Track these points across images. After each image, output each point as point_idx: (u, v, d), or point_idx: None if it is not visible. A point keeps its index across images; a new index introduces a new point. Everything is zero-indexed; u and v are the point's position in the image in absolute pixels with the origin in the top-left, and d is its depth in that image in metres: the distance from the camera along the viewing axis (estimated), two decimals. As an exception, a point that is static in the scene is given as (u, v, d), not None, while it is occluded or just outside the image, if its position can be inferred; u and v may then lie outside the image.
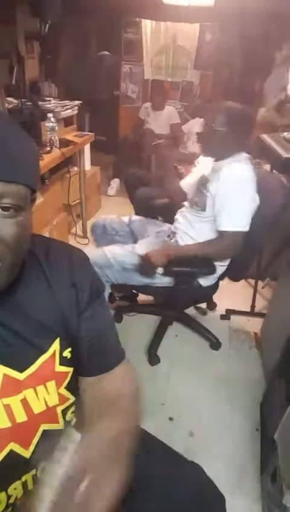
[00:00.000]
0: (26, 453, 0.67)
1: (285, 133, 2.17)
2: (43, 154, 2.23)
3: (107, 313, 0.81)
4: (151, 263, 1.66)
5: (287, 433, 1.22)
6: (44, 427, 0.69)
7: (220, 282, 1.92)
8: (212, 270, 1.73)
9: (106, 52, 4.52)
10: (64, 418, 0.73)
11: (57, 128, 2.42)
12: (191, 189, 1.85)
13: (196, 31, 4.43)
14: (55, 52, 3.84)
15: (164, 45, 4.63)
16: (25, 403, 0.66)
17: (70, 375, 0.73)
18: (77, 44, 4.28)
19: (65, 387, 0.72)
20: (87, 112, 3.99)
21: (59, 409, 0.72)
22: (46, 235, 2.43)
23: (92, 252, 1.73)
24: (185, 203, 1.88)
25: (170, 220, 1.97)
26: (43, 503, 0.52)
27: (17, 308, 0.66)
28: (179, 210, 1.91)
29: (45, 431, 0.69)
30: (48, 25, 2.94)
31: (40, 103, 2.57)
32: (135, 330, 2.13)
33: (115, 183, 4.09)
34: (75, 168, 2.97)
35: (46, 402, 0.68)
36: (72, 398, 0.74)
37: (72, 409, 0.75)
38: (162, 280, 1.77)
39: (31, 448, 0.67)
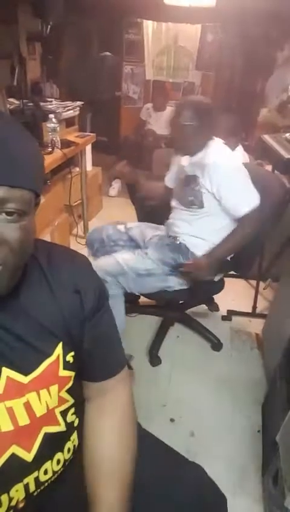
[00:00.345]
0: (28, 456, 0.67)
1: (287, 134, 2.17)
2: (45, 155, 2.23)
3: (112, 319, 0.81)
4: (202, 275, 1.70)
5: (289, 434, 1.21)
6: (46, 429, 0.69)
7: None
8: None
9: (108, 53, 4.53)
10: (64, 419, 0.73)
11: (58, 129, 2.42)
12: (178, 189, 1.84)
13: (198, 32, 4.43)
14: (56, 53, 3.84)
15: (166, 46, 4.63)
16: (27, 406, 0.66)
17: (72, 379, 0.73)
18: (78, 45, 4.29)
19: (66, 391, 0.72)
20: (89, 112, 4.00)
21: (57, 411, 0.72)
22: (48, 235, 2.44)
23: (104, 260, 1.71)
24: (176, 205, 1.85)
25: (160, 220, 1.96)
26: None
27: (20, 312, 0.65)
28: (171, 215, 1.89)
29: (46, 434, 0.69)
30: (49, 26, 2.95)
31: (41, 104, 2.57)
32: (136, 331, 2.13)
33: (117, 183, 4.09)
34: (77, 169, 2.97)
35: (47, 405, 0.69)
36: (71, 400, 0.74)
37: (72, 410, 0.75)
38: (179, 283, 1.76)
39: (33, 451, 0.67)
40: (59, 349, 0.70)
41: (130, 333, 2.07)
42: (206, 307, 2.37)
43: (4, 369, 0.63)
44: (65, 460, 0.74)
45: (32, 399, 0.66)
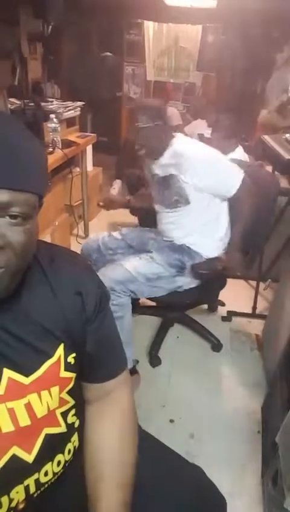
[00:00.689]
0: (29, 458, 0.67)
1: (287, 135, 2.17)
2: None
3: (113, 321, 0.81)
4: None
5: (289, 435, 1.22)
6: (46, 431, 0.69)
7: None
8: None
9: (109, 54, 4.54)
10: (65, 420, 0.73)
11: (59, 129, 2.43)
12: (156, 194, 1.82)
13: (198, 33, 4.43)
14: (57, 53, 3.86)
15: (166, 46, 4.63)
16: (28, 407, 0.66)
17: (73, 380, 0.73)
18: (79, 46, 4.30)
19: (67, 392, 0.72)
20: (90, 112, 4.01)
21: (58, 412, 0.72)
22: (48, 236, 2.44)
23: (111, 269, 1.67)
24: (159, 209, 1.84)
25: (150, 223, 1.96)
26: None
27: (21, 314, 0.65)
28: (158, 219, 1.88)
29: (47, 435, 0.69)
30: (50, 26, 2.96)
31: (42, 104, 2.58)
32: (136, 332, 2.12)
33: (117, 184, 4.09)
34: (77, 169, 2.97)
35: (48, 406, 0.69)
36: (71, 402, 0.74)
37: (73, 411, 0.75)
38: (187, 283, 1.76)
39: (34, 452, 0.67)
40: (60, 351, 0.70)
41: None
42: (206, 308, 2.37)
43: (5, 370, 0.63)
44: (65, 462, 0.74)
45: (33, 400, 0.66)
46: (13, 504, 0.66)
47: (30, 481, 0.68)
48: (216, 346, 2.08)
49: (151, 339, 2.07)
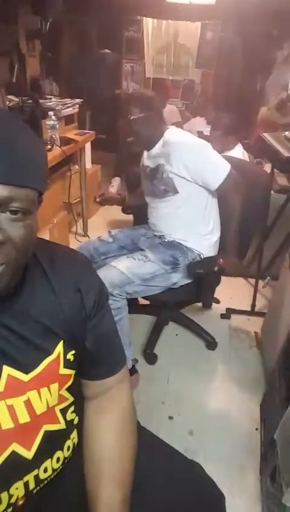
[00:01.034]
0: (29, 454, 0.67)
1: (286, 132, 2.16)
2: (44, 153, 2.23)
3: (112, 318, 0.82)
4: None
5: (287, 432, 1.22)
6: (46, 427, 0.70)
7: (221, 282, 1.92)
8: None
9: (107, 51, 4.53)
10: (64, 417, 0.73)
11: (57, 126, 2.42)
12: (147, 185, 1.84)
13: (198, 30, 4.42)
14: (56, 50, 3.85)
15: (166, 43, 4.62)
16: (28, 404, 0.66)
17: (72, 377, 0.73)
18: (78, 43, 4.29)
19: (66, 389, 0.73)
20: (88, 110, 4.00)
21: (57, 409, 0.72)
22: (47, 233, 2.43)
23: (105, 273, 1.62)
24: (150, 202, 1.84)
25: (144, 221, 1.95)
26: None
27: (21, 311, 0.66)
28: (149, 213, 1.88)
29: (46, 431, 0.70)
30: (49, 23, 2.95)
31: (41, 101, 2.57)
32: (131, 330, 2.12)
33: (116, 181, 4.09)
34: (76, 167, 2.97)
35: (47, 403, 0.69)
36: (71, 399, 0.75)
37: (72, 408, 0.75)
38: (182, 278, 1.76)
39: (33, 449, 0.68)
40: (60, 348, 0.70)
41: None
42: (201, 305, 2.37)
43: (5, 367, 0.64)
44: (65, 458, 0.75)
45: (32, 397, 0.66)
46: (13, 500, 0.66)
47: (30, 477, 0.68)
48: (211, 344, 2.08)
49: (148, 335, 2.06)
